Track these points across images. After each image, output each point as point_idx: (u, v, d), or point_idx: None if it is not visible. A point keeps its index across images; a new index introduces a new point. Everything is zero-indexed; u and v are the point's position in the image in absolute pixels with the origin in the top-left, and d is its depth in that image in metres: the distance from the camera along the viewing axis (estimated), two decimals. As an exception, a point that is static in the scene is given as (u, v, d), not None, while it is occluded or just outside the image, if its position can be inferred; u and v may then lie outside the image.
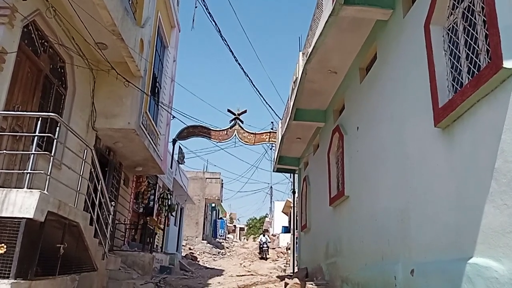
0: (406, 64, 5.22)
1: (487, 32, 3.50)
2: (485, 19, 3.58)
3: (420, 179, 4.66)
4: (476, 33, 3.81)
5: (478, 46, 3.77)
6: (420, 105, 4.66)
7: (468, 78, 3.87)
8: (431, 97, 4.35)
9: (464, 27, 4.04)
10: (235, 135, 18.65)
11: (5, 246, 4.43)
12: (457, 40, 4.17)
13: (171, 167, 18.04)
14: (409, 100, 5.05)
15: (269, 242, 26.94)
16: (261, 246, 25.52)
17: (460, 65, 4.07)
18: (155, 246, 15.04)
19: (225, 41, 15.05)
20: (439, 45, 4.40)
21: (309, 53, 7.59)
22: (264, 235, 26.70)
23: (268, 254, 25.55)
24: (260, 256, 25.07)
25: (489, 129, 3.40)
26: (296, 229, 16.32)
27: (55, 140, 5.35)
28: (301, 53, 9.51)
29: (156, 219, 14.86)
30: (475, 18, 3.84)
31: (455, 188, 3.89)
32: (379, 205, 6.01)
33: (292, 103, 10.01)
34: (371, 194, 6.43)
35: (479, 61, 3.72)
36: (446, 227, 4.00)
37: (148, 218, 14.06)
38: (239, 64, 18.53)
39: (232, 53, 16.72)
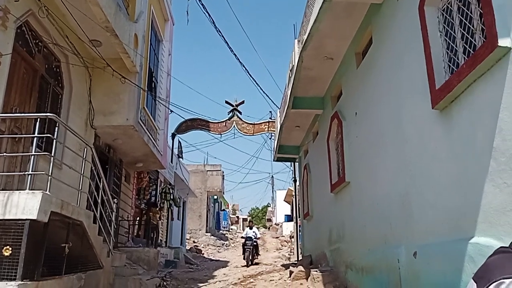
0: (401, 47, 5.20)
1: (482, 11, 3.48)
2: (479, -2, 3.56)
3: (419, 162, 4.67)
4: (471, 12, 3.79)
5: (473, 26, 3.76)
6: (417, 87, 4.65)
7: (464, 58, 3.86)
8: (427, 79, 4.34)
9: (459, 7, 4.02)
10: (234, 126, 18.64)
11: (10, 248, 4.45)
12: (452, 21, 4.15)
13: (171, 162, 18.07)
14: (406, 83, 5.04)
15: (258, 238, 17.47)
16: (245, 244, 16.31)
17: (456, 46, 4.05)
18: (159, 240, 15.12)
19: (220, 32, 15.01)
20: (434, 26, 4.38)
21: (304, 40, 7.56)
22: (251, 228, 17.35)
23: (257, 256, 17.20)
24: (244, 262, 15.86)
25: (486, 108, 3.40)
26: (299, 217, 16.40)
27: (54, 140, 5.35)
28: (296, 40, 9.47)
29: (158, 210, 14.89)
30: (469, -2, 3.82)
31: (455, 169, 3.90)
32: (380, 189, 6.03)
33: (289, 92, 9.99)
34: (371, 179, 6.45)
35: (475, 40, 3.71)
36: (447, 208, 4.02)
37: (150, 212, 14.09)
38: (235, 55, 18.52)
39: (228, 45, 16.73)
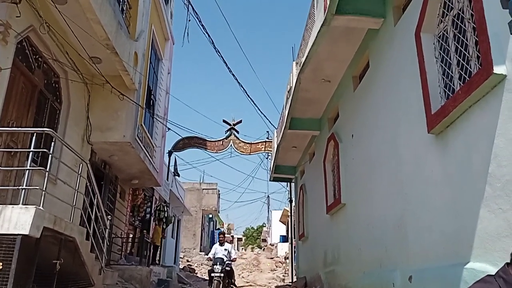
0: (398, 72, 5.27)
1: (477, 39, 3.54)
2: (474, 26, 3.63)
3: (415, 186, 4.68)
4: (466, 40, 3.85)
5: (468, 53, 3.82)
6: (413, 112, 4.69)
7: (460, 84, 3.91)
8: (423, 103, 4.39)
9: (454, 34, 4.09)
10: (231, 145, 18.65)
11: (1, 263, 4.39)
12: (447, 47, 4.22)
13: (167, 179, 17.99)
14: (402, 107, 5.08)
15: (233, 260, 10.96)
16: (212, 268, 10.00)
17: (452, 72, 4.11)
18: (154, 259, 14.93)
19: (219, 52, 15.19)
20: (430, 52, 4.45)
21: (302, 63, 7.65)
22: (222, 244, 11.03)
23: (232, 286, 10.80)
24: None
25: (482, 134, 3.43)
26: (294, 238, 16.27)
27: (50, 155, 5.33)
28: (294, 62, 9.57)
29: (162, 230, 14.75)
30: (464, 25, 3.90)
31: (450, 193, 3.91)
32: (375, 212, 6.02)
33: (287, 112, 10.05)
34: (367, 201, 6.44)
35: (470, 67, 3.77)
36: (443, 233, 4.01)
37: (146, 230, 13.95)
38: (233, 75, 18.73)
39: (226, 65, 16.90)
